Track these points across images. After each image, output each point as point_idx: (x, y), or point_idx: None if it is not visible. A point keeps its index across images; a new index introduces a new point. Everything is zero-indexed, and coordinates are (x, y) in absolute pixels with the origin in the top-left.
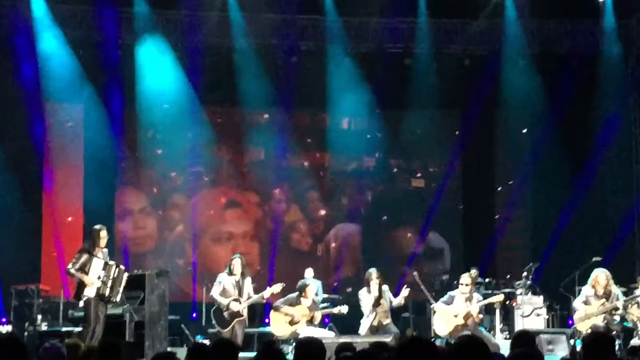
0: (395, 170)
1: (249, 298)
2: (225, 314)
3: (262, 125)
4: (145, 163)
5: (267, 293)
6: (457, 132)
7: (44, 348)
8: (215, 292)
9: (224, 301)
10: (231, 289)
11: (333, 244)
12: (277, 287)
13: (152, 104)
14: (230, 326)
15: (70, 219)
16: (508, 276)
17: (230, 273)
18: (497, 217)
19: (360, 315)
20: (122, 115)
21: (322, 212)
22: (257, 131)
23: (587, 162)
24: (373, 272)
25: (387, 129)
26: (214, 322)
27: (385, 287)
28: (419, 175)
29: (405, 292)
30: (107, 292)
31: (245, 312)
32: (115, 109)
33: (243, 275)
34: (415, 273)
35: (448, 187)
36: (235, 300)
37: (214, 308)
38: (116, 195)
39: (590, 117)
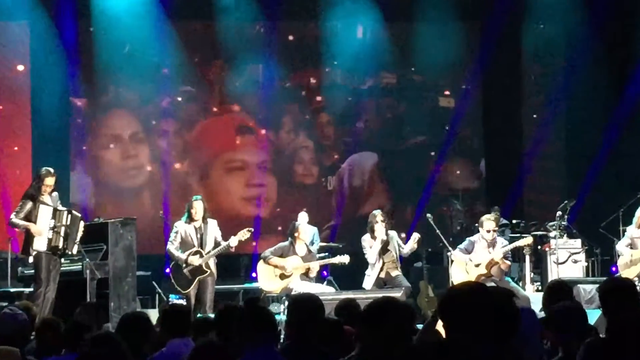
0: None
1: (215, 247)
2: (186, 271)
3: (257, 39)
4: (119, 85)
5: (233, 241)
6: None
7: (3, 315)
8: (171, 245)
9: (181, 255)
10: (191, 239)
11: (345, 178)
12: (243, 234)
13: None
14: (193, 285)
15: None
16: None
17: (190, 219)
18: (524, 148)
19: (365, 266)
20: (75, 31)
21: (333, 139)
22: (251, 47)
23: (628, 86)
24: (377, 214)
25: (397, 43)
26: (172, 281)
27: (392, 233)
28: (447, 93)
29: (415, 237)
30: (60, 244)
31: (212, 266)
32: (66, 24)
33: (205, 220)
34: (428, 215)
35: (466, 112)
36: (195, 253)
37: (171, 264)
38: (71, 130)
39: (635, 35)
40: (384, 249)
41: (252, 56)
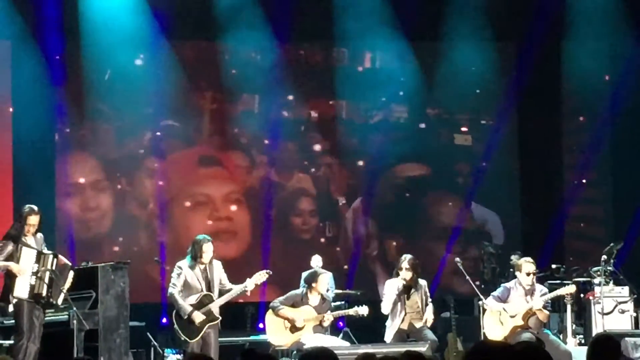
0: (433, 122)
1: (222, 294)
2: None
3: (254, 65)
4: (97, 118)
5: (250, 284)
6: (512, 72)
7: None
8: (174, 290)
9: (185, 307)
10: (197, 282)
11: (350, 222)
12: (260, 276)
13: (103, 39)
14: (201, 334)
15: None
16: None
17: (195, 261)
18: (565, 184)
19: (386, 316)
20: (62, 56)
21: (336, 179)
22: (248, 73)
23: None
24: (404, 259)
25: (418, 68)
26: (176, 328)
27: (423, 282)
28: (464, 129)
29: (429, 312)
30: (43, 291)
31: (217, 312)
32: (52, 47)
33: (210, 261)
34: (457, 259)
35: (499, 143)
36: (200, 303)
37: (175, 310)
38: (57, 163)
39: None
40: (407, 297)
41: (248, 85)
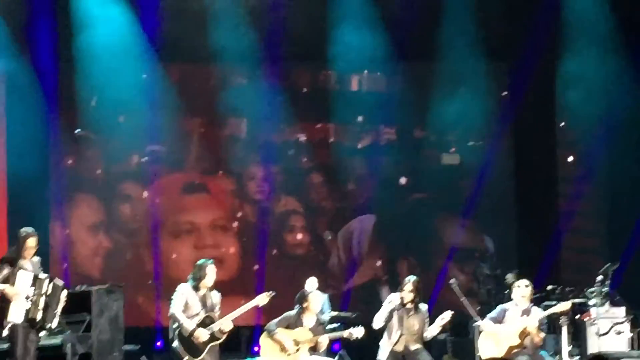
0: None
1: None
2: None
3: (242, 88)
4: (88, 142)
5: (250, 305)
6: (504, 92)
7: None
8: (176, 309)
9: (188, 325)
10: (197, 305)
11: (341, 244)
12: (263, 298)
13: (95, 62)
14: (206, 352)
15: None
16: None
17: (198, 285)
18: (561, 204)
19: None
20: (56, 79)
21: (325, 202)
22: (236, 96)
23: None
24: (411, 280)
25: (407, 88)
26: (180, 347)
27: (424, 307)
28: (452, 150)
29: (446, 316)
30: (38, 316)
31: (220, 333)
32: (46, 71)
33: (211, 288)
34: (452, 281)
35: (494, 163)
36: (203, 322)
37: (178, 330)
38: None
39: None
40: (407, 317)
41: (235, 110)
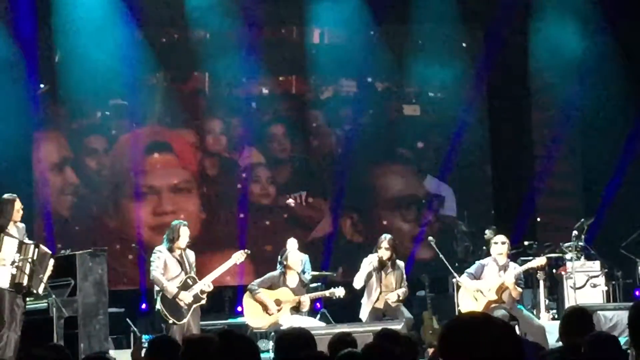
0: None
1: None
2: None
3: (207, 44)
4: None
5: (228, 264)
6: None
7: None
8: (156, 272)
9: (170, 288)
10: (175, 266)
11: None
12: (239, 256)
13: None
14: (190, 313)
15: None
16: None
17: (173, 245)
18: (536, 164)
19: (362, 297)
20: (34, 36)
21: (288, 154)
22: (201, 52)
23: None
24: (386, 238)
25: (380, 47)
26: (162, 311)
27: (401, 264)
28: (413, 101)
29: (400, 291)
30: (24, 281)
31: (202, 293)
32: (24, 26)
33: (185, 248)
34: (430, 238)
35: (468, 125)
36: (185, 284)
37: (160, 293)
38: (34, 143)
39: None
40: (385, 275)
41: (196, 64)
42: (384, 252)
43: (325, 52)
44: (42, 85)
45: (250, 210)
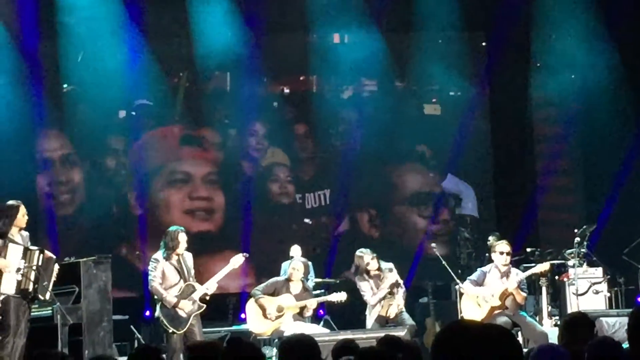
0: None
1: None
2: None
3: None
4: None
5: (227, 269)
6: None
7: None
8: (155, 282)
9: (170, 298)
10: (173, 273)
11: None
12: (238, 259)
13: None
14: (189, 323)
15: None
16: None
17: (170, 254)
18: (538, 170)
19: (364, 304)
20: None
21: (309, 154)
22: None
23: None
24: (364, 254)
25: (388, 53)
26: (162, 320)
27: (386, 265)
28: (434, 100)
29: (399, 297)
30: (30, 287)
31: (201, 300)
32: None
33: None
34: (433, 245)
35: (471, 124)
36: (185, 292)
37: (160, 303)
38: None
39: None
40: (379, 282)
41: (219, 64)
42: (372, 264)
43: (346, 52)
44: (65, 86)
45: (267, 210)
